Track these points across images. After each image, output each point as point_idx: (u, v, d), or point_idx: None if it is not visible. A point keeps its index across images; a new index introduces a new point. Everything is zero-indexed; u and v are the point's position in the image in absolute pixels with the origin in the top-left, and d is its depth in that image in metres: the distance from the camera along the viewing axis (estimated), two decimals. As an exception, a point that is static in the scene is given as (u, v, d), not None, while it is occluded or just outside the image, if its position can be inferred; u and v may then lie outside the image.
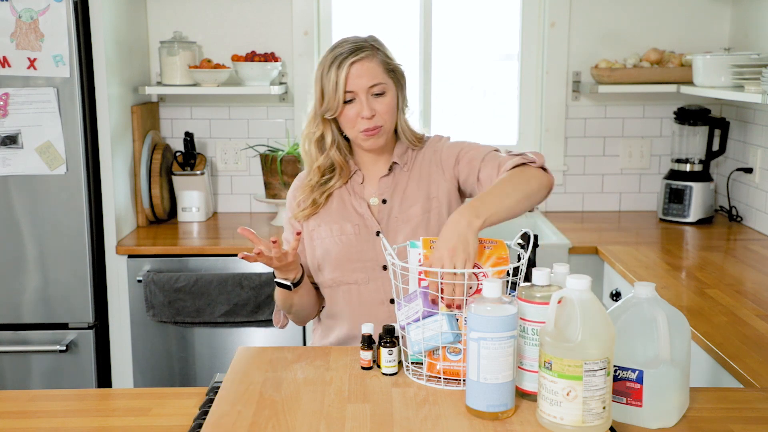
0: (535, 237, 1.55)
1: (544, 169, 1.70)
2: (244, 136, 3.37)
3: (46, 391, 1.68)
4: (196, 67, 3.12)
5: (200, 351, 2.88)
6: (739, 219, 3.15)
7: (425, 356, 1.45)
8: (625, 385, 1.34)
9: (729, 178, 3.17)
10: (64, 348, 2.74)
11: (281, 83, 3.26)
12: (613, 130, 3.38)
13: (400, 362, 1.51)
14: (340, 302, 1.84)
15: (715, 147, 3.21)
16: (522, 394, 1.37)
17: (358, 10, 3.44)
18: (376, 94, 1.76)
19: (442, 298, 1.44)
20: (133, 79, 3.09)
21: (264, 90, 3.11)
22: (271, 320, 2.09)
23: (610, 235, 3.01)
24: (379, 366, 1.51)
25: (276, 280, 1.77)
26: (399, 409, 1.35)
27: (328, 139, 1.82)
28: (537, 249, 1.58)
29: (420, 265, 1.48)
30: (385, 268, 1.80)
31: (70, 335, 2.79)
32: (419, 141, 1.88)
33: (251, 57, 3.14)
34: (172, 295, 2.76)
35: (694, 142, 3.20)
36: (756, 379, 1.62)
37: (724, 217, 3.23)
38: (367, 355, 1.52)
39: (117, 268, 2.85)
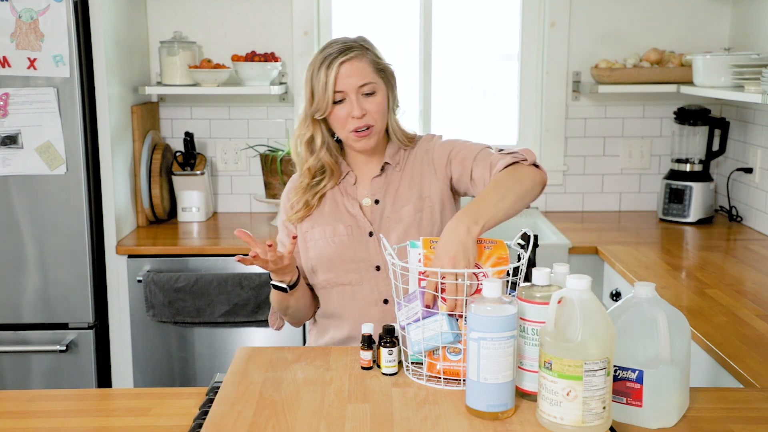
0: (535, 237, 1.55)
1: (536, 165, 1.70)
2: (244, 136, 3.37)
3: (46, 391, 1.68)
4: (196, 67, 3.12)
5: (200, 351, 2.88)
6: (739, 219, 3.15)
7: (425, 356, 1.45)
8: (625, 385, 1.34)
9: (729, 178, 3.17)
10: (64, 348, 2.74)
11: (281, 83, 3.26)
12: (613, 130, 3.38)
13: (400, 362, 1.51)
14: (335, 303, 1.84)
15: (715, 147, 3.21)
16: (522, 394, 1.37)
17: (358, 10, 3.44)
18: (366, 94, 1.76)
19: (443, 299, 1.44)
20: (133, 79, 3.09)
21: (264, 90, 3.11)
22: (270, 320, 2.09)
23: (610, 235, 3.01)
24: (379, 366, 1.51)
25: (272, 282, 1.77)
26: (399, 409, 1.35)
27: (318, 141, 1.82)
28: (537, 249, 1.58)
29: (420, 267, 1.48)
30: (378, 268, 1.81)
31: (70, 335, 2.79)
32: (410, 141, 1.88)
33: (251, 57, 3.14)
34: (172, 295, 2.76)
35: (694, 142, 3.20)
36: (756, 379, 1.62)
37: (724, 217, 3.23)
38: (367, 355, 1.52)
39: (117, 268, 2.85)
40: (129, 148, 3.01)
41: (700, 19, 3.29)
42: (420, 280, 1.47)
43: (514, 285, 1.47)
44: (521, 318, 1.34)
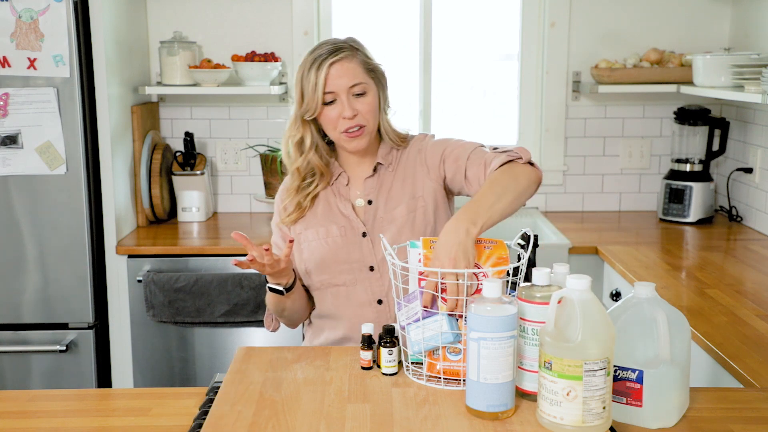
0: (535, 237, 1.55)
1: (531, 163, 1.70)
2: (244, 136, 3.37)
3: (46, 391, 1.68)
4: (196, 67, 3.12)
5: (200, 351, 2.88)
6: (739, 219, 3.15)
7: (425, 356, 1.45)
8: (625, 385, 1.34)
9: (729, 178, 3.17)
10: (64, 348, 2.74)
11: (281, 83, 3.26)
12: (613, 130, 3.38)
13: (400, 362, 1.51)
14: (329, 304, 1.85)
15: (715, 147, 3.21)
16: (522, 394, 1.37)
17: (358, 10, 3.44)
18: (357, 94, 1.76)
19: (443, 299, 1.44)
20: (133, 79, 3.09)
21: (264, 90, 3.11)
22: (270, 320, 2.09)
23: (610, 235, 3.01)
24: (379, 366, 1.51)
25: (268, 285, 1.77)
26: (399, 409, 1.35)
27: (308, 142, 1.82)
28: (537, 249, 1.58)
29: (420, 267, 1.48)
30: (371, 269, 1.81)
31: (70, 335, 2.79)
32: (403, 140, 1.88)
33: (251, 57, 3.14)
34: (172, 295, 2.76)
35: (694, 142, 3.20)
36: (756, 379, 1.62)
37: (724, 217, 3.23)
38: (367, 355, 1.52)
39: (117, 268, 2.85)
40: (129, 148, 3.01)
41: (700, 19, 3.29)
42: (420, 280, 1.47)
43: (514, 285, 1.47)
44: (521, 318, 1.34)
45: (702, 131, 3.18)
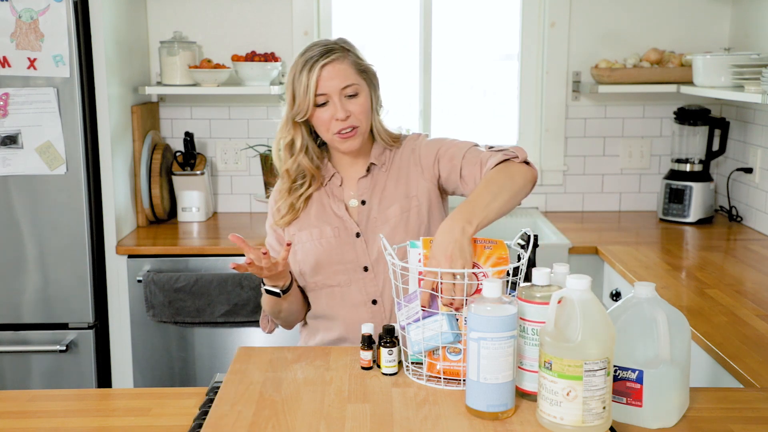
0: (535, 237, 1.55)
1: (526, 162, 1.70)
2: (244, 136, 3.37)
3: (46, 391, 1.68)
4: (196, 67, 3.12)
5: (200, 351, 2.88)
6: (739, 219, 3.15)
7: (425, 356, 1.45)
8: (625, 385, 1.34)
9: (729, 178, 3.17)
10: (64, 348, 2.74)
11: (281, 83, 3.26)
12: (613, 130, 3.38)
13: (400, 362, 1.51)
14: (324, 305, 1.85)
15: (715, 147, 3.21)
16: (522, 394, 1.37)
17: (358, 10, 3.44)
18: (350, 96, 1.76)
19: (442, 298, 1.44)
20: (133, 79, 3.09)
21: (264, 90, 3.11)
22: (270, 320, 2.09)
23: (610, 235, 3.01)
24: (379, 366, 1.51)
25: (265, 287, 1.77)
26: (399, 409, 1.35)
27: (298, 144, 1.82)
28: (537, 249, 1.58)
29: (420, 267, 1.48)
30: (366, 269, 1.81)
31: (70, 335, 2.79)
32: (395, 141, 1.88)
33: (251, 57, 3.14)
34: (172, 295, 2.76)
35: (694, 142, 3.20)
36: (756, 379, 1.62)
37: (724, 217, 3.23)
38: (367, 355, 1.52)
39: (117, 268, 2.85)
40: (129, 148, 3.01)
41: (700, 19, 3.29)
42: (420, 280, 1.47)
43: (514, 285, 1.47)
44: (521, 318, 1.34)
45: (702, 131, 3.19)
